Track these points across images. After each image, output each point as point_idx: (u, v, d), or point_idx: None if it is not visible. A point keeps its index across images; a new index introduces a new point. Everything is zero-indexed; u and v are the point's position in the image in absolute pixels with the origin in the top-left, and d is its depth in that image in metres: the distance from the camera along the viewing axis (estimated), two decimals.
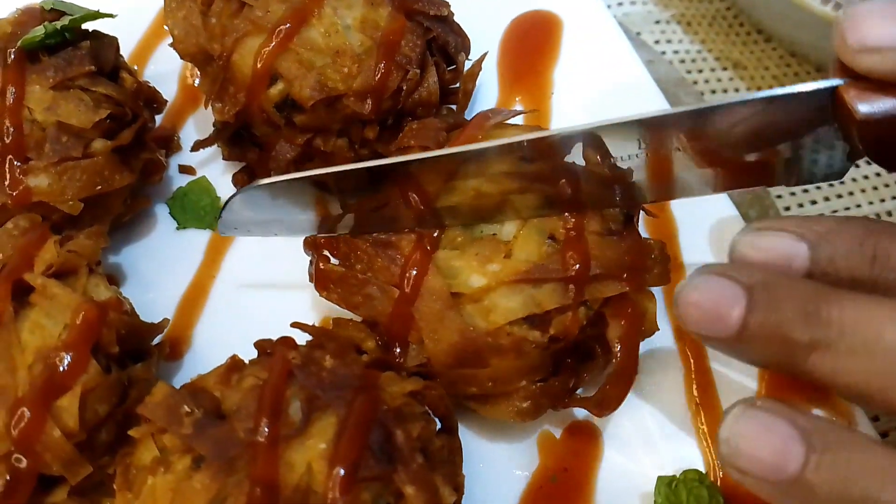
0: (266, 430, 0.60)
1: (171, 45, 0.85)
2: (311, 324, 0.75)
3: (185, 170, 0.94)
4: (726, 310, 0.55)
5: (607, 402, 0.72)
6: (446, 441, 0.67)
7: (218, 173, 0.94)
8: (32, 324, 0.65)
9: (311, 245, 0.77)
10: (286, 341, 0.68)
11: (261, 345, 0.70)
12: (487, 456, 0.77)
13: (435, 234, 0.71)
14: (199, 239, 0.90)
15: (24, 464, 0.60)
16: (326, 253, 0.75)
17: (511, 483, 0.76)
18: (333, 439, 0.60)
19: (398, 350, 0.72)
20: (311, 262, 0.77)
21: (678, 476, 0.72)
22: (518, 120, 0.83)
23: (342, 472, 0.58)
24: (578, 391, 0.75)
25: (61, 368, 0.63)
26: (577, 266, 0.68)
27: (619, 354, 0.70)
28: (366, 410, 0.61)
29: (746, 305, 0.55)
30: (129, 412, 0.67)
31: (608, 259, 0.69)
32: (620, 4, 1.23)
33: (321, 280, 0.74)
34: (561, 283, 0.68)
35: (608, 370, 0.72)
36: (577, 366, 0.74)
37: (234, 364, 0.67)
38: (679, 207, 0.88)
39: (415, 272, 0.69)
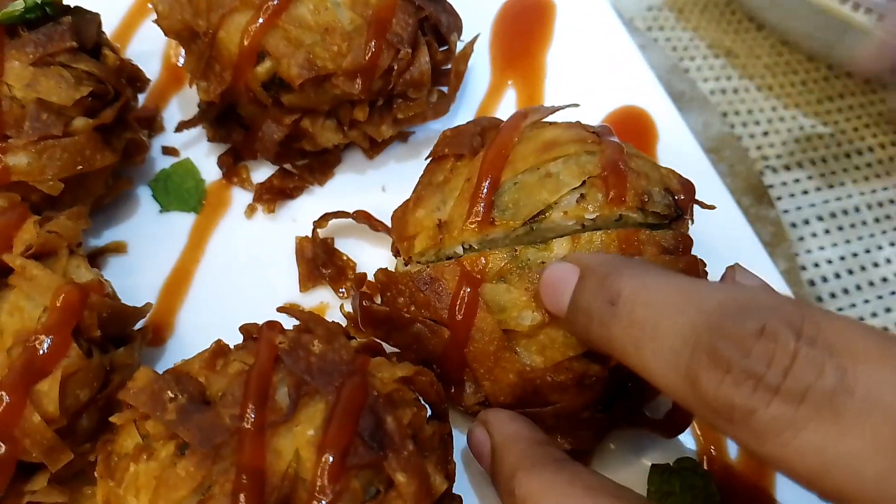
0: (253, 416, 0.58)
1: (156, 21, 0.83)
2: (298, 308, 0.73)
3: (169, 151, 0.92)
4: (561, 289, 0.62)
5: (675, 425, 0.72)
6: (437, 428, 0.65)
7: (202, 155, 0.92)
8: (11, 306, 0.63)
9: (355, 282, 0.79)
10: (273, 325, 0.66)
11: (247, 329, 0.68)
12: None
13: (477, 260, 0.68)
14: (182, 222, 0.88)
15: (2, 450, 0.59)
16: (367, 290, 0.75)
17: None
18: (322, 426, 0.58)
19: (453, 389, 0.71)
20: (354, 298, 0.76)
21: (671, 465, 0.71)
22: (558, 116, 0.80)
23: (331, 459, 0.57)
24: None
25: (41, 352, 0.61)
26: None
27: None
28: (355, 396, 0.60)
29: (576, 286, 0.61)
30: (111, 398, 0.65)
31: None
32: None
33: (367, 319, 0.72)
34: None
35: None
36: (642, 384, 0.68)
37: (220, 349, 0.65)
38: None
39: (463, 312, 0.67)
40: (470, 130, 0.76)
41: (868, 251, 1.04)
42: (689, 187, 0.72)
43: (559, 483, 0.57)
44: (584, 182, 0.68)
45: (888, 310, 1.00)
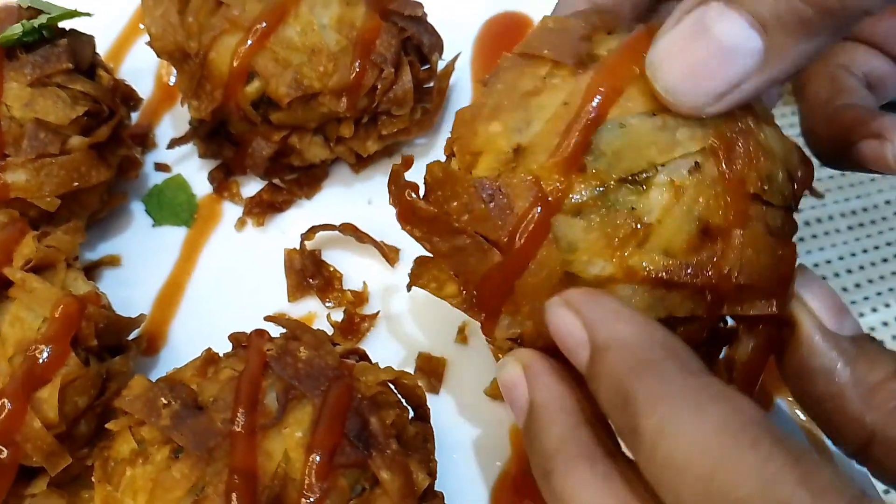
0: (243, 419, 0.61)
1: (148, 43, 0.86)
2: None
3: (161, 167, 0.95)
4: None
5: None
6: (420, 428, 0.68)
7: (194, 171, 0.95)
8: (12, 317, 0.65)
9: (399, 166, 0.64)
10: (261, 333, 0.69)
11: (236, 337, 0.71)
12: (462, 446, 0.78)
13: (560, 184, 0.55)
14: (175, 235, 0.91)
15: (4, 454, 0.61)
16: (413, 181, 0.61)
17: (485, 472, 0.77)
18: (310, 428, 0.61)
19: (484, 317, 0.60)
20: (391, 183, 0.64)
21: None
22: None
23: (319, 459, 0.60)
24: None
25: (41, 360, 0.63)
26: (726, 273, 0.54)
27: (736, 381, 0.59)
28: (341, 399, 0.63)
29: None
30: (108, 405, 0.68)
31: (762, 268, 0.56)
32: None
33: (405, 212, 0.61)
34: (700, 290, 0.55)
35: None
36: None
37: (210, 357, 0.68)
38: None
39: (526, 239, 0.55)
40: (578, 30, 0.60)
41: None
42: (809, 168, 0.61)
43: (602, 493, 0.49)
44: (703, 148, 0.55)
45: None
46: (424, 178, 0.61)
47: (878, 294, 1.02)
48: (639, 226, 0.54)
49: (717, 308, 0.55)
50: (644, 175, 0.55)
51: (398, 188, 0.62)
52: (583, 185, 0.55)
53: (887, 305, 0.99)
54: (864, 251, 1.08)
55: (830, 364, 0.55)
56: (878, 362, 0.54)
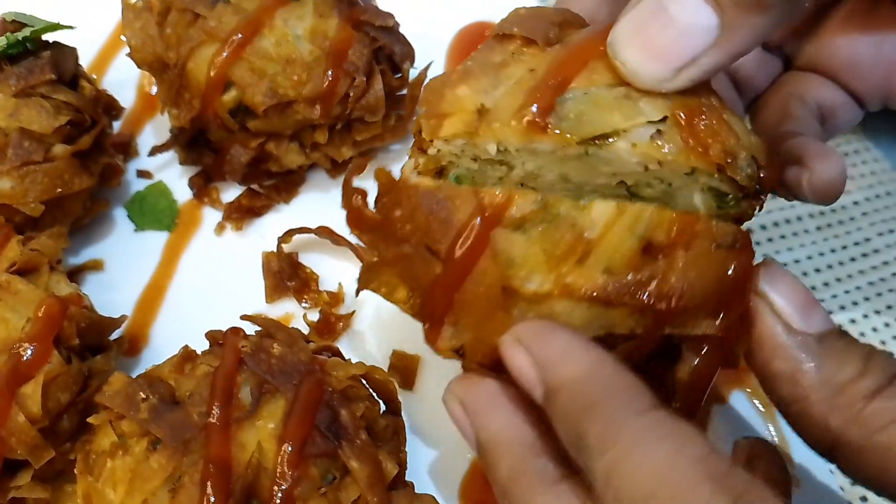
0: (218, 412, 0.64)
1: (129, 54, 0.90)
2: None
3: (143, 174, 0.98)
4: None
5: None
6: (391, 421, 0.71)
7: (175, 177, 0.98)
8: None
9: (350, 172, 0.65)
10: (236, 331, 0.72)
11: (212, 335, 0.74)
12: (434, 440, 0.81)
13: (500, 196, 0.54)
14: (156, 240, 0.94)
15: None
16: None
17: (455, 464, 0.80)
18: (282, 420, 0.64)
19: (428, 326, 0.60)
20: (343, 187, 0.65)
21: None
22: None
23: (290, 449, 0.63)
24: None
25: (25, 358, 0.66)
26: (667, 294, 0.53)
27: (679, 399, 0.59)
28: (313, 393, 0.66)
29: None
30: (90, 401, 0.70)
31: (707, 289, 0.54)
32: None
33: (353, 218, 0.62)
34: (640, 310, 0.54)
35: None
36: None
37: (188, 354, 0.71)
38: None
39: (465, 252, 0.55)
40: (549, 17, 0.62)
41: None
42: (776, 166, 0.60)
43: None
44: (665, 118, 0.55)
45: None
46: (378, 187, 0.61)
47: (846, 292, 1.05)
48: (579, 241, 0.54)
49: (659, 328, 0.55)
50: (606, 139, 0.55)
51: (347, 193, 0.63)
52: (525, 199, 0.54)
53: (855, 303, 1.03)
54: (833, 251, 1.11)
55: (794, 366, 0.54)
56: (846, 361, 0.53)
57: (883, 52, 0.75)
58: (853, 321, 1.01)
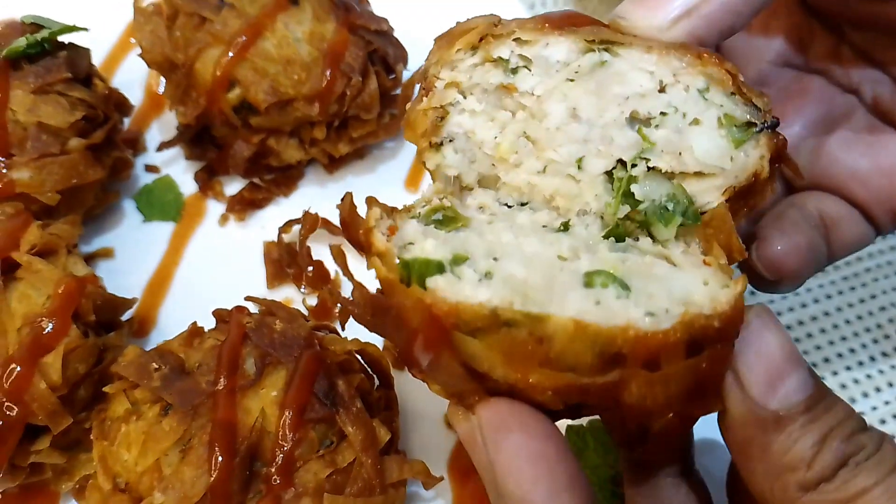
0: (225, 381, 0.70)
1: (140, 55, 0.95)
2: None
3: (151, 168, 1.04)
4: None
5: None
6: (384, 394, 0.77)
7: (181, 171, 1.04)
8: (20, 294, 0.74)
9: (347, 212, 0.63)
10: (241, 309, 0.77)
11: (219, 313, 0.79)
12: (427, 415, 0.86)
13: (447, 306, 0.50)
14: (163, 230, 1.00)
15: (14, 412, 0.69)
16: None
17: (446, 439, 0.86)
18: (284, 388, 0.70)
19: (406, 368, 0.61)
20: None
21: (585, 425, 0.82)
22: None
23: (291, 414, 0.68)
24: None
25: (46, 331, 0.71)
26: (631, 402, 0.51)
27: (648, 450, 0.58)
28: (312, 364, 0.71)
29: None
30: (105, 373, 0.76)
31: (672, 396, 0.51)
32: None
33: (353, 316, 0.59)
34: (606, 403, 0.53)
35: None
36: None
37: (196, 330, 0.77)
38: None
39: (423, 349, 0.52)
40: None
41: None
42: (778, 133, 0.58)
43: None
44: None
45: None
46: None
47: None
48: (538, 349, 0.49)
49: (623, 417, 0.53)
50: (617, 45, 0.57)
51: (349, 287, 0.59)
52: (472, 310, 0.49)
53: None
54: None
55: (746, 439, 0.53)
56: (798, 443, 0.51)
57: (882, 160, 0.73)
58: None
